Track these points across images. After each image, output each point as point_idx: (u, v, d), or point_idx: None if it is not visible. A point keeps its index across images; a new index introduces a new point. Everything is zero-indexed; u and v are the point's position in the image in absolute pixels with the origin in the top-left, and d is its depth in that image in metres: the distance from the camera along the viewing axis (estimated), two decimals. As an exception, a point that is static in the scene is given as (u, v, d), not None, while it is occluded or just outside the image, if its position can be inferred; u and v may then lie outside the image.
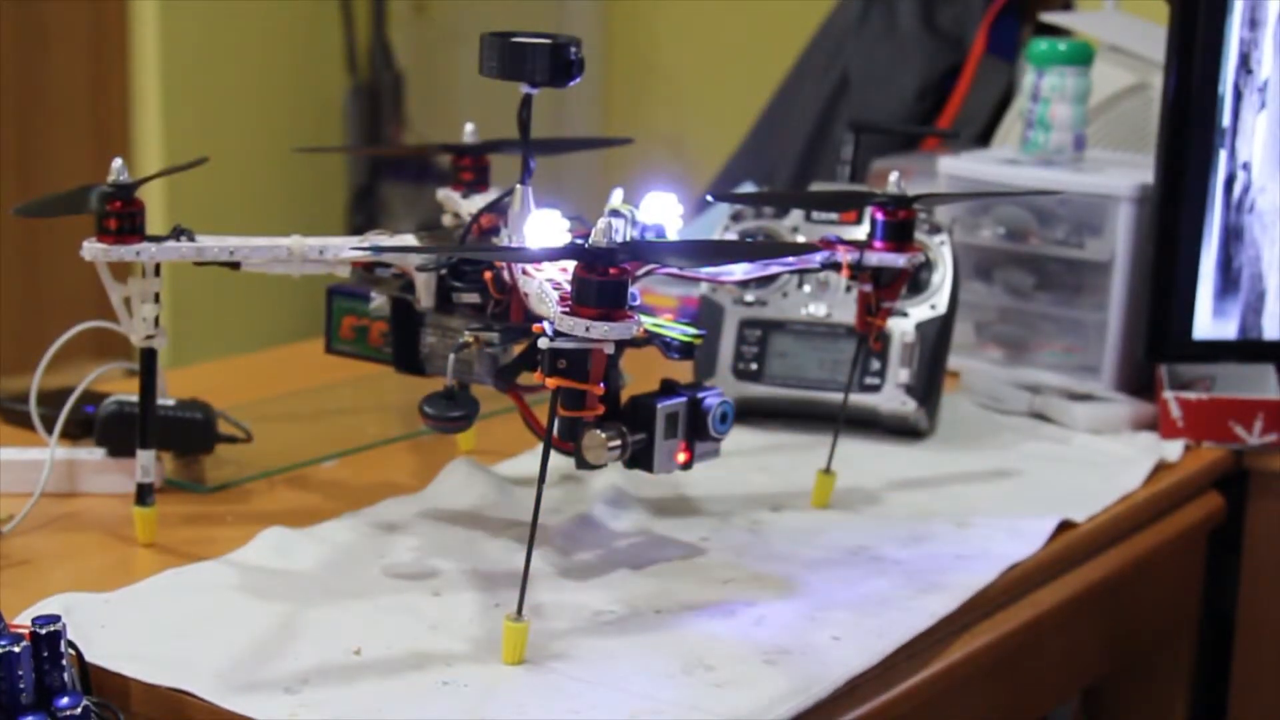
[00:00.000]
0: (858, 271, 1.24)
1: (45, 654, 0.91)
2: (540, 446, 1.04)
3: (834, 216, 1.49)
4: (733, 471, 1.36)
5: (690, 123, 3.34)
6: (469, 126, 1.38)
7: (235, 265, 1.18)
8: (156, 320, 1.18)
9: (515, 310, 1.15)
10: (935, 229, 1.50)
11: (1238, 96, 1.52)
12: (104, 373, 1.35)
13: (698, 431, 1.10)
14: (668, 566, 1.19)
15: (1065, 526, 1.29)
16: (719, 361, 1.50)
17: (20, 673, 0.89)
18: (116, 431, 1.28)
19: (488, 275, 1.16)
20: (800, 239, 1.47)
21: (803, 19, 2.34)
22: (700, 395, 1.10)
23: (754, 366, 1.50)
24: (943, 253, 1.49)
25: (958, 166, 1.71)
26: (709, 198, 1.44)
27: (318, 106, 3.64)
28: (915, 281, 1.48)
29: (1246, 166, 1.54)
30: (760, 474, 1.38)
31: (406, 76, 3.70)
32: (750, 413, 1.48)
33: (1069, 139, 1.68)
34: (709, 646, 1.06)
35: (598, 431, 1.05)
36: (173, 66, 3.40)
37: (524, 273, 1.10)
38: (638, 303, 1.06)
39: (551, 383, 1.02)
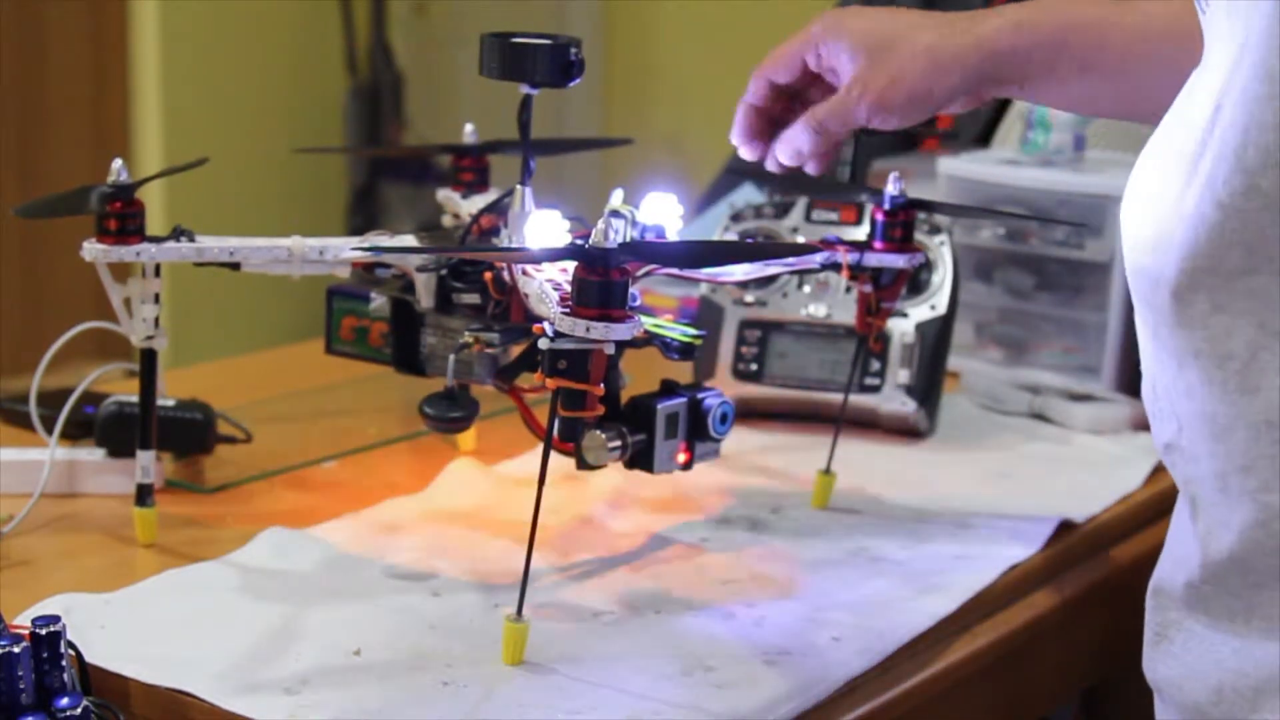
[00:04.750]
0: (858, 272, 1.24)
1: (45, 654, 0.91)
2: (540, 447, 1.04)
3: (834, 216, 1.49)
4: (733, 471, 1.36)
5: (690, 123, 3.34)
6: (468, 127, 1.38)
7: (235, 266, 1.18)
8: (157, 321, 1.18)
9: (515, 311, 1.15)
10: (935, 229, 1.50)
11: (1238, 97, 1.52)
12: (104, 373, 1.35)
13: (698, 432, 1.10)
14: (668, 567, 1.19)
15: (1065, 526, 1.29)
16: (719, 361, 1.50)
17: (20, 673, 0.89)
18: (116, 432, 1.28)
19: (488, 276, 1.16)
20: (800, 239, 1.47)
21: (802, 19, 2.34)
22: (700, 396, 1.10)
23: (754, 367, 1.50)
24: (943, 253, 1.49)
25: (957, 167, 1.71)
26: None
27: (318, 106, 3.64)
28: (915, 282, 1.48)
29: (1246, 166, 1.54)
30: (760, 474, 1.38)
31: (406, 76, 3.70)
32: (750, 413, 1.48)
33: (1069, 139, 1.68)
34: (709, 646, 1.06)
35: (598, 432, 1.05)
36: (173, 66, 3.40)
37: (524, 273, 1.10)
38: (638, 303, 1.06)
39: (551, 383, 1.02)
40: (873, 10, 1.19)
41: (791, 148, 1.20)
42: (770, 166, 1.24)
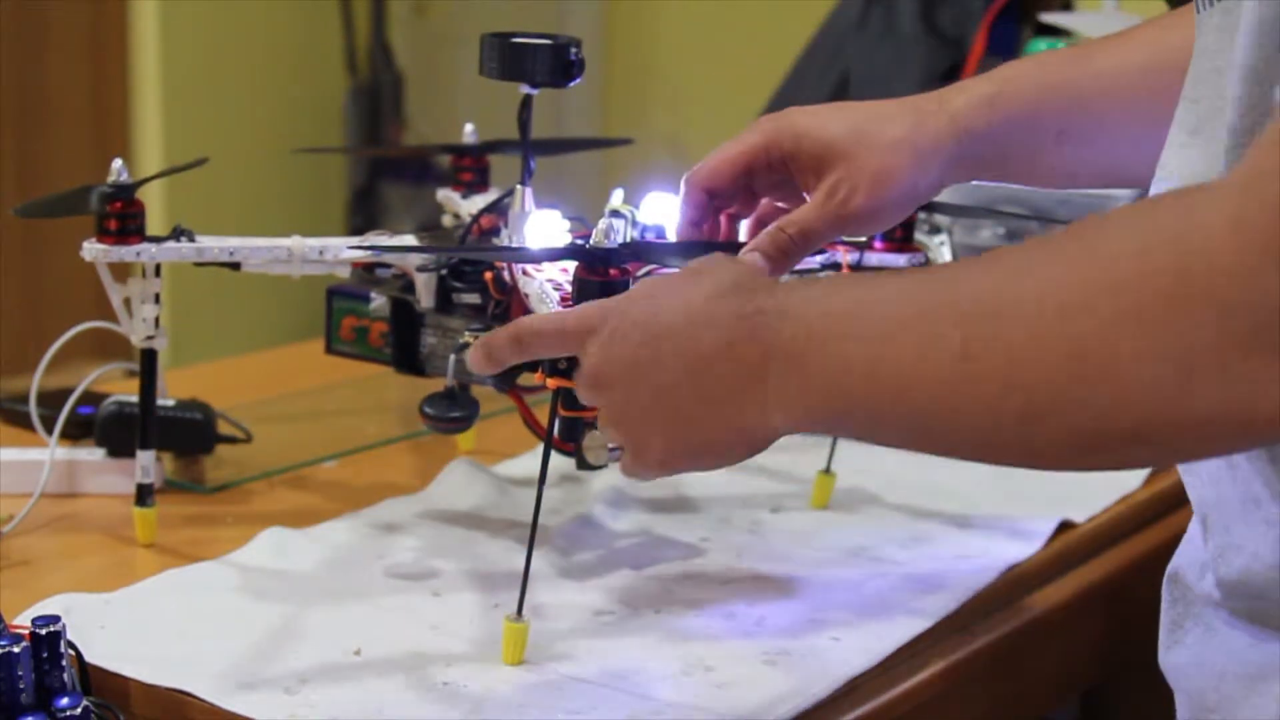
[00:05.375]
0: (858, 272, 1.24)
1: (45, 654, 0.91)
2: (540, 447, 1.04)
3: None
4: (733, 471, 1.36)
5: (690, 123, 3.34)
6: (468, 127, 1.38)
7: (236, 266, 1.18)
8: (157, 321, 1.18)
9: (516, 310, 1.15)
10: (935, 229, 1.50)
11: (1238, 97, 1.52)
12: (104, 373, 1.35)
13: (698, 432, 1.10)
14: (668, 567, 1.19)
15: (1065, 526, 1.29)
16: (719, 362, 1.50)
17: (20, 673, 0.89)
18: (116, 432, 1.28)
19: (488, 276, 1.16)
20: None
21: (803, 19, 2.34)
22: (700, 395, 1.10)
23: (754, 367, 1.50)
24: (943, 253, 1.49)
25: (958, 167, 1.70)
26: None
27: (318, 106, 3.64)
28: (915, 282, 1.48)
29: (1246, 167, 1.53)
30: (760, 474, 1.38)
31: (406, 77, 3.70)
32: (750, 413, 1.48)
33: (1069, 139, 1.67)
34: (709, 646, 1.06)
35: (598, 432, 1.05)
36: (173, 66, 3.40)
37: (524, 273, 1.10)
38: (638, 303, 1.06)
39: (552, 383, 1.02)
40: (822, 107, 1.08)
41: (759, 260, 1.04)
42: None
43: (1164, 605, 0.94)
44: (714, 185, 1.08)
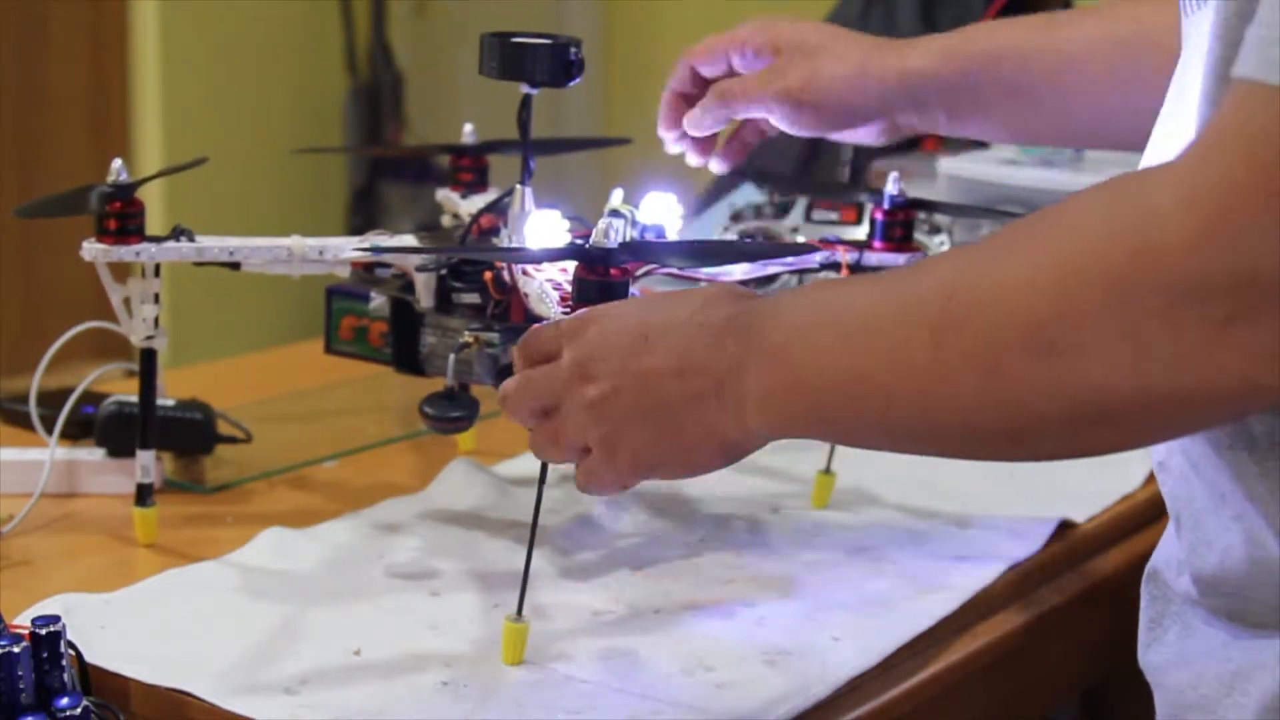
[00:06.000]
0: (857, 272, 1.24)
1: (45, 654, 0.91)
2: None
3: (834, 216, 1.49)
4: (732, 471, 1.35)
5: (690, 123, 3.34)
6: (467, 127, 1.38)
7: (235, 266, 1.18)
8: (156, 321, 1.18)
9: (515, 310, 1.15)
10: (935, 229, 1.50)
11: (1238, 96, 1.52)
12: (104, 373, 1.35)
13: (698, 432, 1.10)
14: (668, 567, 1.19)
15: (1065, 526, 1.29)
16: (719, 361, 1.50)
17: (20, 673, 0.89)
18: (116, 432, 1.28)
19: (488, 275, 1.16)
20: (800, 239, 1.47)
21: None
22: (700, 395, 1.10)
23: (754, 366, 1.50)
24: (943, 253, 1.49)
25: (957, 167, 1.71)
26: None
27: (318, 106, 3.64)
28: (915, 281, 1.48)
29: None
30: (760, 474, 1.38)
31: (406, 76, 3.70)
32: (750, 413, 1.48)
33: (1069, 139, 1.67)
34: (709, 647, 1.06)
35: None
36: (173, 66, 3.40)
37: (524, 273, 1.10)
38: (638, 303, 1.06)
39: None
40: (806, 21, 1.22)
41: (692, 116, 1.22)
42: (691, 159, 1.26)
43: (1143, 603, 0.95)
44: (701, 61, 1.23)
